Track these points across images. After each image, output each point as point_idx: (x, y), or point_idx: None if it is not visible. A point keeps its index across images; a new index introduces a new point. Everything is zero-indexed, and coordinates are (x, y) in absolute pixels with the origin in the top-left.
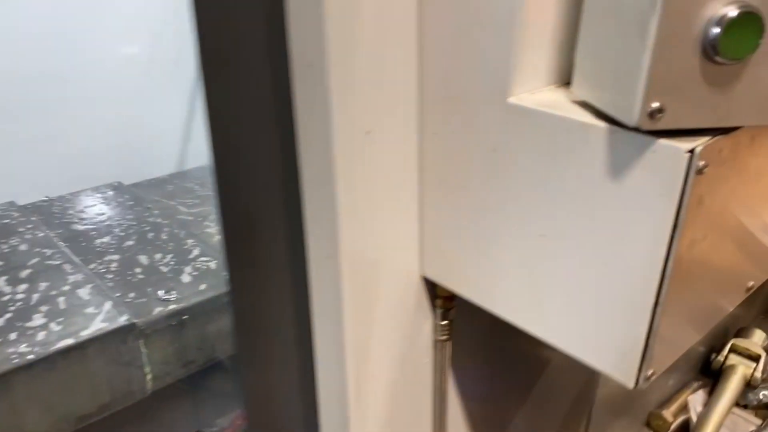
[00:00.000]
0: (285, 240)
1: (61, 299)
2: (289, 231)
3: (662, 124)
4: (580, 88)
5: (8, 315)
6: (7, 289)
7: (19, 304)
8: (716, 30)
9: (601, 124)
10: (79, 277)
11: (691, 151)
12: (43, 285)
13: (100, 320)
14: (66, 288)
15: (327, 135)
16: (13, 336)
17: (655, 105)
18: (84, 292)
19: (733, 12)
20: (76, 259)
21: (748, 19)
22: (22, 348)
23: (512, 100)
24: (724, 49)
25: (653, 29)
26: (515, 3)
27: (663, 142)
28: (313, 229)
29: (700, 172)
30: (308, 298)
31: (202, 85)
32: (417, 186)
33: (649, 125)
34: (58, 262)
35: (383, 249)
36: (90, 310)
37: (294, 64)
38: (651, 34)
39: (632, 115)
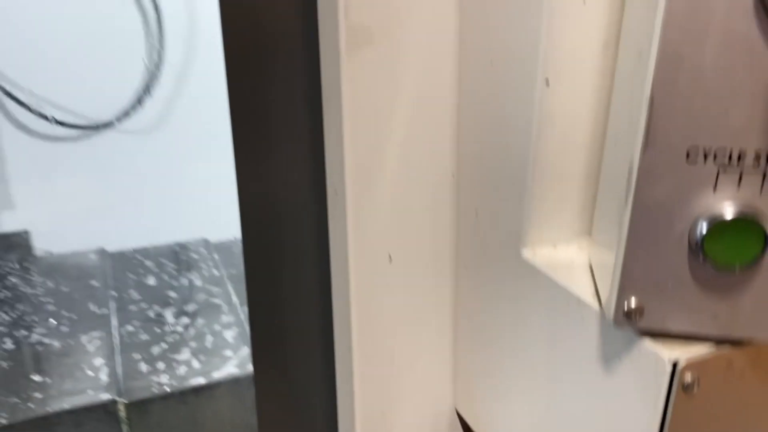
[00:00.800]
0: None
1: (210, 338)
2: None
3: (643, 324)
4: (593, 253)
5: (164, 345)
6: (171, 320)
7: (176, 336)
8: (703, 230)
9: (594, 306)
10: (231, 318)
11: (675, 364)
12: (200, 321)
13: (233, 364)
14: (217, 328)
15: (345, 259)
16: (161, 366)
17: (633, 304)
18: (229, 335)
19: (726, 214)
20: (236, 300)
21: (742, 225)
22: (164, 379)
23: (526, 253)
24: (711, 254)
25: (627, 216)
26: (529, 156)
27: (647, 343)
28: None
29: (687, 388)
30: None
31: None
32: (450, 317)
33: (624, 323)
34: (219, 302)
35: (407, 380)
36: (228, 353)
37: (328, 191)
38: (625, 221)
39: (609, 310)
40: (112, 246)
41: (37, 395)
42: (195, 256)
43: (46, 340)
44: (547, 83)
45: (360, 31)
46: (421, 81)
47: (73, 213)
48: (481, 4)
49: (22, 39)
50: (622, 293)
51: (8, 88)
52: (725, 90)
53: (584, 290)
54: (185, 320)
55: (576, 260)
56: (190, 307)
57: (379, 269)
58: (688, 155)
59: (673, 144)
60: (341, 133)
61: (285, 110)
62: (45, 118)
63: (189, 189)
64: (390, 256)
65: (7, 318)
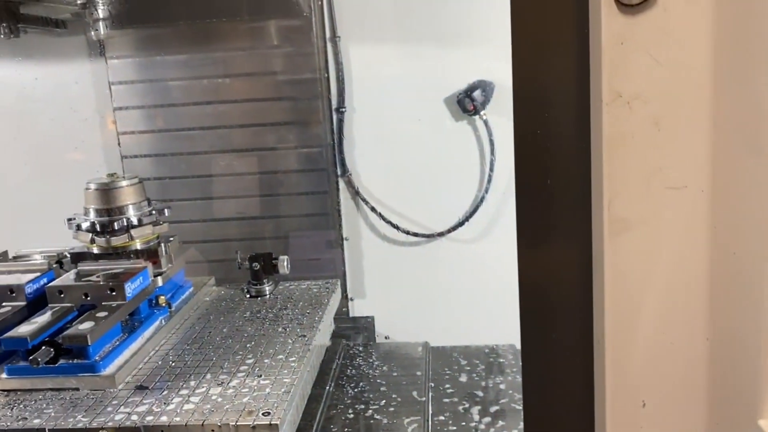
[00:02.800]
0: None
1: None
2: None
3: None
4: None
5: None
6: (476, 417)
7: None
8: None
9: None
10: None
11: None
12: (499, 423)
13: None
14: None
15: (603, 401)
16: None
17: None
18: None
19: None
20: None
21: None
22: None
23: (762, 423)
24: None
25: None
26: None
27: None
28: None
29: None
30: None
31: None
32: None
33: None
34: (519, 407)
35: None
36: None
37: (594, 342)
38: None
39: None
40: (435, 341)
41: None
42: (503, 360)
43: (377, 416)
44: None
45: (620, 221)
46: (674, 262)
47: (407, 306)
48: (732, 208)
49: (386, 166)
50: None
51: (373, 203)
52: None
53: None
54: (488, 419)
55: None
56: (494, 408)
57: (633, 413)
58: None
59: None
60: (602, 298)
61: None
62: (396, 228)
63: (505, 296)
64: (643, 403)
65: (351, 392)
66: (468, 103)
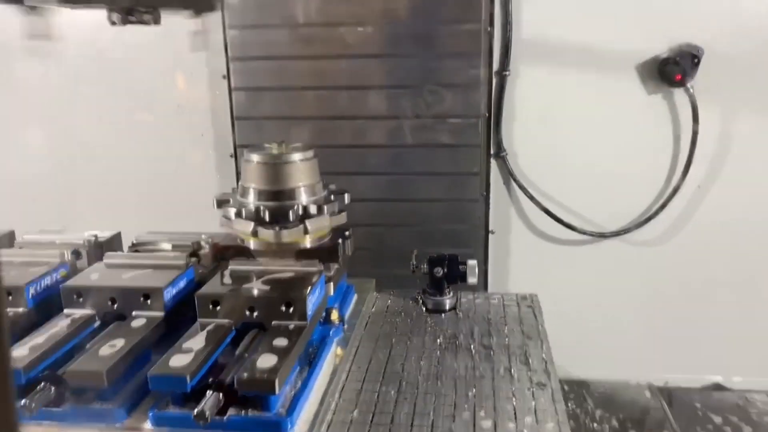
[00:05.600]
0: None
1: None
2: None
3: None
4: None
5: None
6: None
7: None
8: None
9: None
10: None
11: None
12: None
13: None
14: None
15: None
16: None
17: None
18: None
19: None
20: None
21: None
22: None
23: None
24: None
25: None
26: None
27: None
28: None
29: None
30: None
31: None
32: None
33: None
34: None
35: None
36: None
37: None
38: None
39: None
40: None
41: None
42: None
43: None
44: None
45: None
46: None
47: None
48: None
49: (550, 146)
50: None
51: (531, 191)
52: None
53: None
54: None
55: None
56: None
57: None
58: None
59: None
60: None
61: None
62: (559, 221)
63: (711, 318)
64: None
65: None
66: (675, 71)
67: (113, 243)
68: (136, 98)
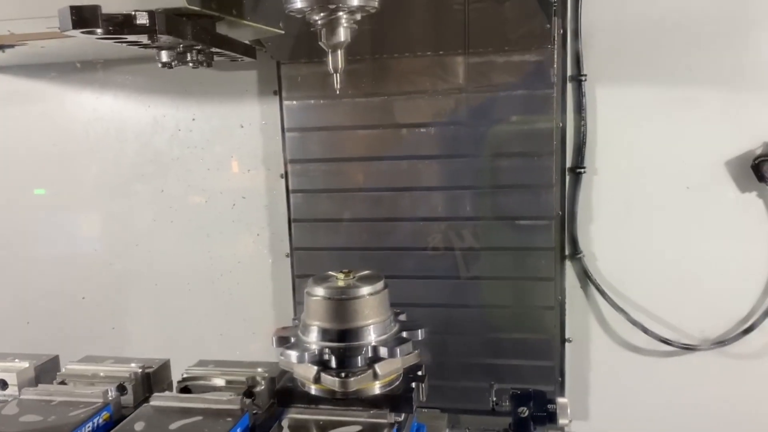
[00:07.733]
0: None
1: None
2: None
3: None
4: None
5: None
6: None
7: None
8: None
9: None
10: None
11: None
12: None
13: None
14: None
15: None
16: None
17: None
18: None
19: None
20: None
21: None
22: None
23: None
24: None
25: None
26: None
27: None
28: None
29: None
30: None
31: None
32: None
33: None
34: None
35: None
36: None
37: None
38: None
39: None
40: None
41: None
42: None
43: None
44: None
45: None
46: None
47: None
48: None
49: (632, 247)
50: None
51: (611, 295)
52: None
53: None
54: None
55: None
56: None
57: None
58: None
59: None
60: None
61: None
62: (644, 331)
63: None
64: None
65: None
66: None
67: (161, 374)
68: (193, 193)
